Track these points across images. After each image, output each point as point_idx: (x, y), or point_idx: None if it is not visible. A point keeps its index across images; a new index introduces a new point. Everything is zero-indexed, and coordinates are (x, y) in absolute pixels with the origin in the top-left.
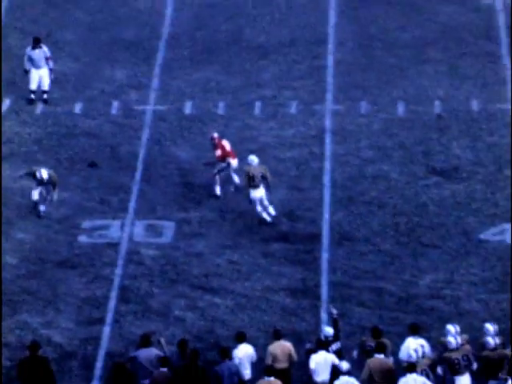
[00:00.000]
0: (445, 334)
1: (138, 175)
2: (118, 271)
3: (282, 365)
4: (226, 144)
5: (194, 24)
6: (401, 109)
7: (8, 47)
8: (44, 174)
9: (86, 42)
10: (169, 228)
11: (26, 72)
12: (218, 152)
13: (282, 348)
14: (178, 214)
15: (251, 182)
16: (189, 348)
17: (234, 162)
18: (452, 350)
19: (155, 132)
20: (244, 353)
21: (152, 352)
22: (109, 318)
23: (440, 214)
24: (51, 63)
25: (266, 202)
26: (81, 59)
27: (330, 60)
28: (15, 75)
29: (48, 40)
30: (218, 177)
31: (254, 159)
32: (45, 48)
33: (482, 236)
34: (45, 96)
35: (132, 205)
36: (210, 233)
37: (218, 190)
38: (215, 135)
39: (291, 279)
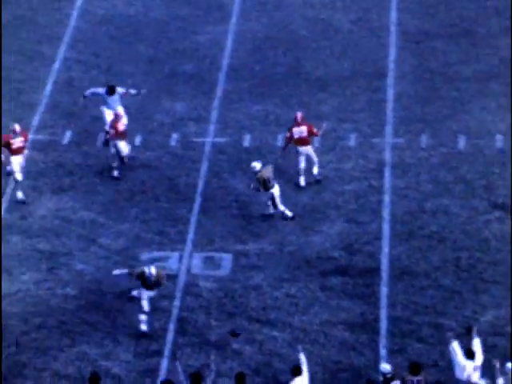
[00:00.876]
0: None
1: (196, 207)
2: (176, 303)
3: None
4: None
5: (253, 56)
6: (462, 142)
7: (70, 79)
8: (153, 270)
9: (147, 74)
10: (227, 260)
11: (84, 97)
12: (303, 128)
13: None
14: (236, 246)
15: (267, 184)
16: (246, 382)
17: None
18: None
19: (214, 164)
20: None
21: None
22: (167, 350)
23: (502, 249)
24: (133, 90)
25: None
26: (143, 88)
27: (390, 93)
28: (76, 107)
29: (109, 73)
30: (302, 166)
31: (256, 165)
32: (119, 89)
33: None
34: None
35: (190, 237)
36: (268, 265)
37: (302, 181)
38: (299, 114)
39: (350, 313)
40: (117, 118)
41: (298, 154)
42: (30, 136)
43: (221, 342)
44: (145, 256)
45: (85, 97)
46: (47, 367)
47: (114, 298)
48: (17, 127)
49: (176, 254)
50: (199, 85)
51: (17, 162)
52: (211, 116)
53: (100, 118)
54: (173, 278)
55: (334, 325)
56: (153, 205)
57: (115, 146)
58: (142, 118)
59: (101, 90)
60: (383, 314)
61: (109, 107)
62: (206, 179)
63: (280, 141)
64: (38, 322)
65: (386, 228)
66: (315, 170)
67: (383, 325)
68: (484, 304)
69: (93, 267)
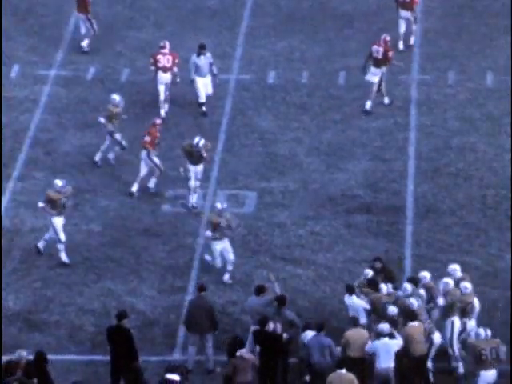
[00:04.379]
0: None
1: (220, 145)
2: (201, 241)
3: (356, 354)
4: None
5: None
6: (489, 79)
7: (94, 14)
8: (201, 142)
9: (171, 9)
10: (251, 198)
11: (192, 81)
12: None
13: (359, 335)
14: (261, 183)
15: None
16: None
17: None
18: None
19: (238, 101)
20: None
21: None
22: (191, 286)
23: None
24: (215, 68)
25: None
26: (165, 27)
27: (418, 29)
28: (100, 43)
29: (132, 8)
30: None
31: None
32: (208, 54)
33: None
34: (203, 108)
35: (214, 174)
36: (292, 203)
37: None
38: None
39: (374, 251)
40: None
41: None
42: (54, 71)
43: (245, 280)
44: (169, 193)
45: (192, 81)
46: (72, 302)
47: (138, 235)
48: (167, 43)
49: (200, 192)
50: (223, 21)
51: (164, 80)
52: (235, 52)
53: (123, 54)
54: (197, 214)
55: (358, 263)
56: (177, 142)
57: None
58: None
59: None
60: (408, 252)
61: (198, 72)
62: (230, 117)
63: (305, 78)
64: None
65: (411, 165)
66: (386, 100)
67: (407, 263)
68: (509, 241)
69: (117, 204)
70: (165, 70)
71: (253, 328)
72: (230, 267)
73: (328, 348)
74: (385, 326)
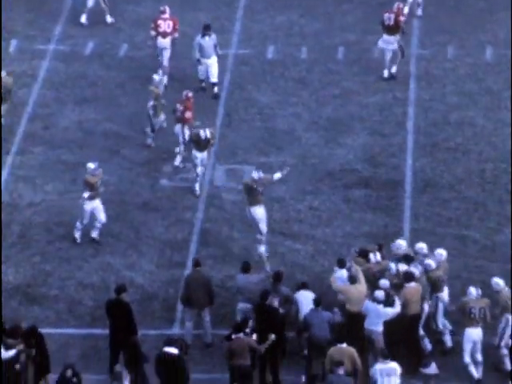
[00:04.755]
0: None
1: (219, 120)
2: (199, 215)
3: (355, 308)
4: None
5: None
6: (489, 53)
7: None
8: (207, 132)
9: None
10: (249, 172)
11: (198, 61)
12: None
13: (358, 291)
14: (259, 158)
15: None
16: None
17: None
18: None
19: (237, 76)
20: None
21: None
22: (190, 261)
23: None
24: (219, 50)
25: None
26: (164, 1)
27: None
28: (100, 17)
29: None
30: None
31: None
32: (214, 35)
33: None
34: (215, 90)
35: (213, 149)
36: (290, 178)
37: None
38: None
39: (372, 226)
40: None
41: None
42: (52, 46)
43: (243, 254)
44: (168, 168)
45: (198, 60)
46: (71, 276)
47: (137, 209)
48: (167, 8)
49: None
50: None
51: (163, 45)
52: (234, 27)
53: (122, 29)
54: (194, 189)
55: (357, 237)
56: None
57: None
58: None
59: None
60: (406, 226)
61: (203, 53)
62: (228, 91)
63: (304, 53)
64: (62, 232)
65: (410, 140)
66: (393, 69)
67: (406, 237)
68: (508, 215)
69: (116, 178)
70: (165, 35)
71: (241, 305)
72: None
73: (327, 322)
74: (380, 293)
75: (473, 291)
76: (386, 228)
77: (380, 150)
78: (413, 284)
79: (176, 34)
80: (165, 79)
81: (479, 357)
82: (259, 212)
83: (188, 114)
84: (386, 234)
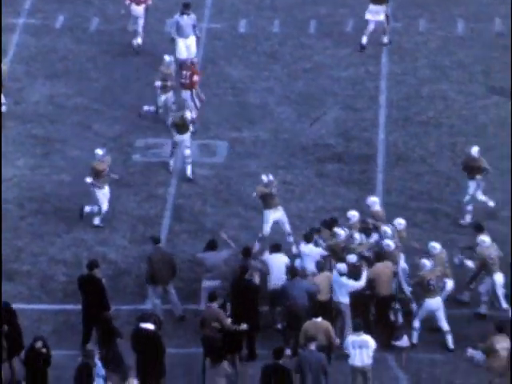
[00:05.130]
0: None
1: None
2: (172, 190)
3: (324, 297)
4: None
5: None
6: (460, 26)
7: None
8: (188, 114)
9: None
10: (222, 147)
11: (172, 40)
12: None
13: (327, 279)
14: (232, 133)
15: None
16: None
17: None
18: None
19: (209, 51)
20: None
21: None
22: (162, 236)
23: (498, 134)
24: (198, 31)
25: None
26: None
27: None
28: None
29: None
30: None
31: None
32: (193, 15)
33: None
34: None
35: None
36: (263, 153)
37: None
38: None
39: (345, 200)
40: None
41: None
42: (22, 20)
43: (216, 229)
44: (140, 143)
45: (173, 39)
46: (44, 252)
47: (109, 185)
48: None
49: (171, 141)
50: None
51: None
52: (206, 1)
53: (93, 2)
54: (168, 164)
55: (330, 211)
56: (148, 91)
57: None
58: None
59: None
60: (379, 200)
61: (180, 32)
62: (200, 66)
63: (276, 27)
64: (34, 208)
65: (382, 114)
66: (385, 40)
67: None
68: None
69: (88, 154)
70: (138, 2)
71: (208, 283)
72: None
73: (305, 291)
74: (342, 266)
75: (427, 263)
76: (359, 202)
77: (352, 125)
78: (382, 264)
79: (149, 1)
80: (140, 41)
81: (446, 325)
82: (278, 215)
83: (195, 78)
84: (359, 208)
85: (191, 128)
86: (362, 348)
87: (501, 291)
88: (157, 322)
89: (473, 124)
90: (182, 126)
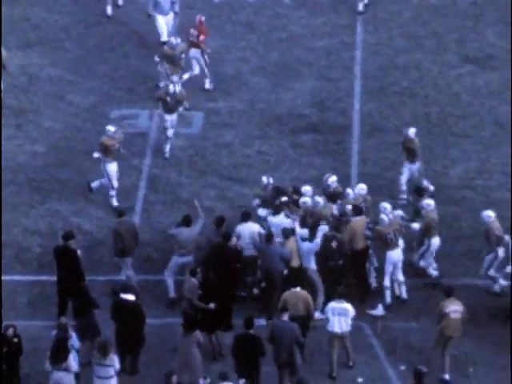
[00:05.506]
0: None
1: None
2: (147, 161)
3: (294, 263)
4: None
5: None
6: None
7: None
8: (177, 88)
9: None
10: (198, 118)
11: (150, 16)
12: None
13: (294, 246)
14: (207, 104)
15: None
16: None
17: None
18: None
19: (183, 20)
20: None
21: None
22: (138, 207)
23: (473, 103)
24: (177, 7)
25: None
26: None
27: None
28: None
29: None
30: None
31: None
32: None
33: None
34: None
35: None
36: (239, 123)
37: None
38: None
39: (320, 170)
40: None
41: None
42: None
43: (192, 200)
44: (114, 113)
45: (149, 15)
46: (18, 223)
47: (84, 156)
48: None
49: (146, 112)
50: None
51: None
52: None
53: None
54: (143, 135)
55: (305, 181)
56: (122, 62)
57: None
58: None
59: None
60: (354, 170)
61: (159, 9)
62: (175, 36)
63: None
64: (7, 178)
65: (357, 84)
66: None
67: (353, 182)
68: (454, 158)
69: (62, 124)
70: None
71: (181, 260)
72: None
73: (279, 256)
74: (303, 231)
75: (385, 218)
76: (334, 172)
77: (328, 95)
78: (358, 218)
79: None
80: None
81: (401, 277)
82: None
83: (202, 37)
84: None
85: (185, 104)
86: (341, 315)
87: (433, 255)
88: (136, 292)
89: (447, 93)
90: (166, 103)
